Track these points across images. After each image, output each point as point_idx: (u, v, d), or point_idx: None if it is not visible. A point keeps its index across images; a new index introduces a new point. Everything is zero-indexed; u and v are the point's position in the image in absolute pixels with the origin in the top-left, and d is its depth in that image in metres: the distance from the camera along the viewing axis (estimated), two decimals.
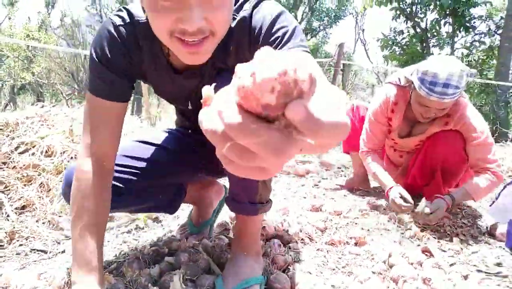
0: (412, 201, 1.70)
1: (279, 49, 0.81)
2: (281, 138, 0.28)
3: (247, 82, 0.28)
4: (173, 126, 1.38)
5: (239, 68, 0.30)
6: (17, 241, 1.36)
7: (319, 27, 20.76)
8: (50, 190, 1.67)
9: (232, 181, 1.04)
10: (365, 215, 1.84)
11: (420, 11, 10.39)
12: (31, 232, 1.41)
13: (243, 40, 0.88)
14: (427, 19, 10.51)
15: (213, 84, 0.32)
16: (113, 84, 0.93)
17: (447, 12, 9.45)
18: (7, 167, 1.74)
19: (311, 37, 20.23)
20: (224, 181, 1.68)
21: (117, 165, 1.06)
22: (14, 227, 1.43)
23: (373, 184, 2.51)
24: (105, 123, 0.95)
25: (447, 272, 1.23)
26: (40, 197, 1.63)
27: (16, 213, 1.56)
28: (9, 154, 1.79)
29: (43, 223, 1.50)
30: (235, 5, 0.86)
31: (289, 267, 1.20)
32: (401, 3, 10.03)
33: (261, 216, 1.09)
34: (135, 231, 1.52)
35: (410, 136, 2.01)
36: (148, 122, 3.79)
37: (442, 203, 1.69)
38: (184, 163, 1.23)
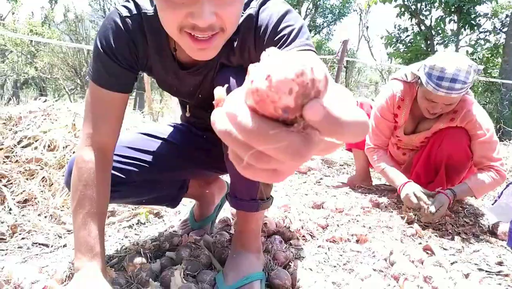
0: (427, 200, 1.69)
1: (284, 47, 0.81)
2: (302, 142, 0.27)
3: (262, 85, 0.27)
4: (178, 121, 1.38)
5: (252, 70, 0.28)
6: (19, 234, 1.37)
7: (323, 24, 20.69)
8: (52, 184, 1.68)
9: (233, 177, 1.04)
10: (367, 212, 1.84)
11: (424, 9, 10.34)
12: (33, 225, 1.41)
13: (248, 38, 0.88)
14: (431, 16, 10.46)
15: (226, 86, 0.31)
16: (117, 75, 0.93)
17: (452, 10, 9.40)
18: (10, 161, 1.75)
19: (315, 34, 20.17)
20: (227, 177, 1.68)
21: (120, 156, 1.07)
22: (16, 221, 1.43)
23: (375, 181, 2.51)
24: (107, 113, 0.95)
25: (448, 271, 1.23)
26: (42, 191, 1.63)
27: (18, 206, 1.56)
28: (12, 148, 1.80)
29: (45, 217, 1.51)
30: None
31: (290, 263, 1.20)
32: (405, 0, 9.97)
33: (262, 212, 1.09)
34: (137, 226, 1.52)
35: (415, 133, 2.01)
36: (151, 118, 3.79)
37: (445, 199, 1.70)
38: (187, 158, 1.23)
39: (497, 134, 1.92)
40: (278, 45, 0.81)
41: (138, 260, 1.11)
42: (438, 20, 10.13)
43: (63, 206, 1.59)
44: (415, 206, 1.71)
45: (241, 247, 1.06)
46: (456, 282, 1.13)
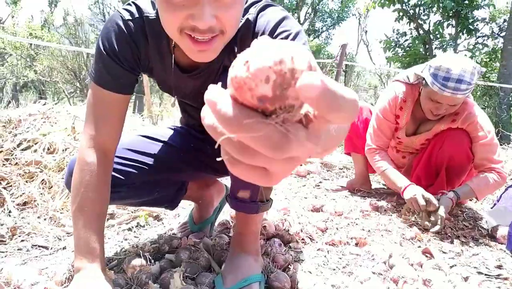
0: (436, 202, 1.69)
1: None
2: (280, 135, 0.26)
3: (240, 72, 0.26)
4: (178, 124, 1.39)
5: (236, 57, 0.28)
6: (19, 236, 1.37)
7: (322, 28, 20.77)
8: (51, 186, 1.68)
9: (234, 178, 1.04)
10: (366, 216, 1.84)
11: (423, 13, 10.40)
12: (32, 228, 1.41)
13: (246, 42, 0.89)
14: (430, 21, 10.52)
15: (219, 83, 0.30)
16: (118, 77, 0.93)
17: (450, 14, 9.45)
18: (10, 163, 1.75)
19: (314, 38, 20.24)
20: (226, 180, 1.68)
21: (120, 157, 1.07)
22: (15, 223, 1.43)
23: (374, 185, 2.51)
24: (108, 115, 0.96)
25: (447, 274, 1.23)
26: (41, 194, 1.63)
27: (18, 209, 1.56)
28: (12, 151, 1.80)
29: (45, 219, 1.51)
30: None
31: (289, 266, 1.20)
32: (404, 4, 10.02)
33: (262, 214, 1.09)
34: (136, 229, 1.52)
35: (416, 134, 2.01)
36: (150, 121, 3.79)
37: (448, 202, 1.71)
38: (186, 160, 1.23)
39: None
40: None
41: (138, 262, 1.11)
42: (436, 25, 10.18)
43: (62, 209, 1.59)
44: (421, 208, 1.70)
45: (240, 249, 1.06)
46: (455, 285, 1.14)
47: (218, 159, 0.31)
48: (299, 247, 1.38)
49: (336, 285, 1.10)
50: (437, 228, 1.65)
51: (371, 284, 1.11)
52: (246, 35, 0.88)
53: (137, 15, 0.92)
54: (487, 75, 9.82)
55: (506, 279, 1.26)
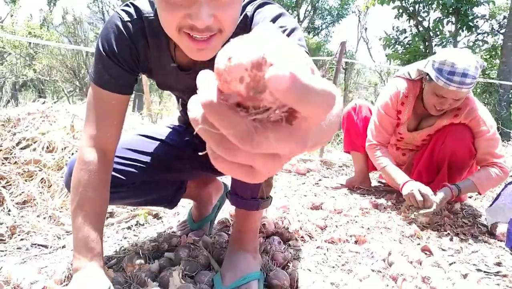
0: (432, 198, 1.70)
1: None
2: (251, 130, 0.26)
3: (221, 65, 0.27)
4: (176, 123, 1.39)
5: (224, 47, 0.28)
6: (18, 235, 1.37)
7: (321, 25, 20.74)
8: (51, 185, 1.68)
9: None
10: (365, 213, 1.84)
11: (422, 10, 10.37)
12: (32, 226, 1.41)
13: None
14: (430, 18, 10.49)
15: (209, 71, 0.30)
16: (118, 77, 0.94)
17: (450, 11, 9.43)
18: (9, 162, 1.75)
19: (314, 35, 20.21)
20: (224, 179, 1.68)
21: (120, 157, 1.08)
22: (15, 222, 1.43)
23: (374, 183, 2.52)
24: (108, 115, 0.96)
25: (446, 271, 1.23)
26: (41, 192, 1.63)
27: (17, 208, 1.56)
28: (11, 149, 1.80)
29: (44, 218, 1.51)
30: None
31: (288, 264, 1.20)
32: (403, 1, 10.01)
33: (261, 212, 1.10)
34: (135, 227, 1.52)
35: (418, 130, 2.02)
36: (149, 120, 3.79)
37: (448, 192, 1.73)
38: (185, 159, 1.23)
39: None
40: None
41: (137, 260, 1.12)
42: (436, 22, 10.16)
43: (62, 207, 1.59)
44: (419, 203, 1.71)
45: (238, 247, 1.06)
46: (455, 282, 1.14)
47: (201, 153, 0.31)
48: (299, 245, 1.38)
49: (336, 282, 1.10)
50: (428, 210, 1.67)
51: (370, 281, 1.11)
52: (243, 32, 0.88)
53: (135, 16, 0.93)
54: (487, 72, 9.81)
55: (505, 276, 1.27)
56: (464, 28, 9.79)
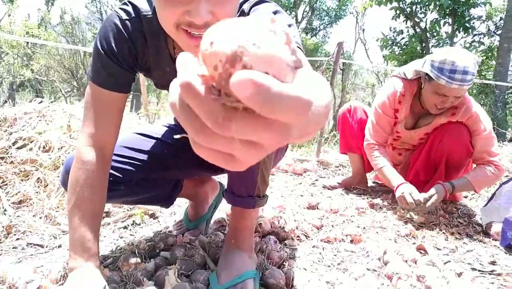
0: (422, 200, 1.72)
1: None
2: (221, 113, 0.27)
3: (203, 47, 0.27)
4: (172, 122, 1.39)
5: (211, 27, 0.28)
6: (14, 235, 1.36)
7: (319, 26, 20.76)
8: (47, 185, 1.68)
9: (231, 174, 1.05)
10: (362, 213, 1.85)
11: (420, 11, 10.40)
12: (28, 226, 1.41)
13: None
14: (426, 19, 10.52)
15: (188, 53, 0.31)
16: (116, 76, 0.95)
17: (447, 12, 9.46)
18: (5, 162, 1.75)
19: (312, 36, 20.22)
20: (221, 178, 1.68)
21: (116, 155, 1.08)
22: (11, 221, 1.43)
23: (370, 183, 2.52)
24: (106, 113, 0.97)
25: (441, 270, 1.23)
26: (37, 192, 1.63)
27: (13, 207, 1.56)
28: (7, 149, 1.80)
29: (40, 217, 1.51)
30: None
31: (284, 263, 1.21)
32: (401, 2, 10.03)
33: (257, 210, 1.10)
34: (132, 227, 1.52)
35: (415, 129, 2.03)
36: (147, 120, 3.79)
37: (441, 189, 1.75)
38: (182, 158, 1.23)
39: None
40: None
41: (133, 260, 1.12)
42: (433, 23, 10.19)
43: (58, 207, 1.59)
44: (410, 206, 1.73)
45: (234, 246, 1.06)
46: (449, 281, 1.14)
47: (177, 136, 0.32)
48: (294, 244, 1.39)
49: (331, 281, 1.11)
50: (421, 208, 1.70)
51: (365, 280, 1.12)
52: None
53: (133, 15, 0.94)
54: (483, 73, 9.85)
55: (499, 275, 1.27)
56: (460, 30, 9.82)
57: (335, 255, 1.34)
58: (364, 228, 1.65)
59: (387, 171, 1.95)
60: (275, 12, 0.87)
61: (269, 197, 1.13)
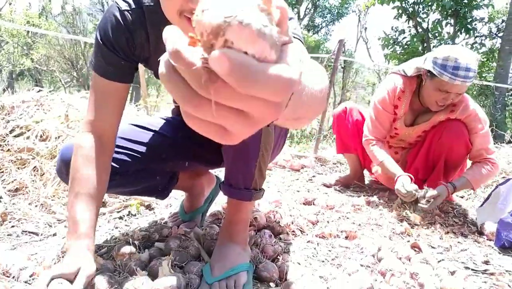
0: (415, 189, 1.76)
1: None
2: (203, 78, 0.27)
3: (196, 13, 0.28)
4: (170, 115, 1.39)
5: None
6: (9, 222, 1.36)
7: (321, 23, 20.71)
8: (43, 174, 1.67)
9: (229, 166, 1.06)
10: (357, 210, 1.85)
11: (422, 11, 10.38)
12: (23, 214, 1.41)
13: None
14: (429, 19, 10.50)
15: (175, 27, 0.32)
16: (115, 66, 0.97)
17: (449, 13, 9.44)
18: (2, 150, 1.74)
19: (313, 33, 20.17)
20: (217, 172, 1.68)
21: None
22: (6, 209, 1.43)
23: (367, 180, 2.53)
24: (106, 102, 0.99)
25: (434, 268, 1.24)
26: (33, 181, 1.63)
27: (9, 195, 1.56)
28: (4, 137, 1.79)
29: (36, 206, 1.51)
30: None
31: (278, 257, 1.21)
32: (403, 2, 10.00)
33: (253, 204, 1.10)
34: (127, 217, 1.52)
35: (414, 125, 2.04)
36: (145, 112, 3.78)
37: (444, 190, 1.78)
38: (179, 150, 1.23)
39: None
40: None
41: (127, 249, 1.12)
42: (435, 23, 10.17)
43: (54, 196, 1.59)
44: (407, 195, 1.76)
45: (228, 238, 1.06)
46: (442, 279, 1.15)
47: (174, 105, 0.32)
48: (289, 239, 1.39)
49: (324, 276, 1.11)
50: (424, 206, 1.75)
51: (359, 276, 1.12)
52: None
53: (134, 6, 0.95)
54: (483, 75, 9.85)
55: (492, 274, 1.28)
56: (462, 31, 9.81)
57: (330, 251, 1.35)
58: (360, 224, 1.65)
59: (388, 163, 1.95)
60: None
61: (265, 191, 1.13)
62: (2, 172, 1.66)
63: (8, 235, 1.28)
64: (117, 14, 0.94)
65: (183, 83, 0.29)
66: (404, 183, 1.78)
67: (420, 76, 1.90)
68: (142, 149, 1.16)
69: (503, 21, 10.36)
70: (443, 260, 1.34)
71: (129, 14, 0.95)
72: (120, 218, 1.51)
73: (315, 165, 2.97)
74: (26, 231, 1.32)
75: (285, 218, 1.54)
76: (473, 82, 1.71)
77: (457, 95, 1.77)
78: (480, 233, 1.69)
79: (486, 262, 1.37)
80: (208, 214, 1.54)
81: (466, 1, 9.21)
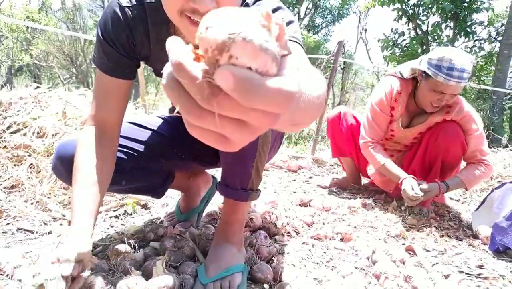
0: (421, 193, 1.75)
1: None
2: (205, 92, 0.29)
3: (199, 30, 0.29)
4: (167, 114, 1.39)
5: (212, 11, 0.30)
6: (5, 220, 1.36)
7: (321, 24, 20.71)
8: (40, 171, 1.67)
9: (225, 166, 1.06)
10: (353, 212, 1.86)
11: (422, 14, 10.38)
12: (19, 211, 1.41)
13: None
14: (428, 22, 10.50)
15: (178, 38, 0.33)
16: (115, 62, 0.98)
17: (449, 16, 9.45)
18: None
19: (313, 34, 20.16)
20: (214, 172, 1.69)
21: None
22: (2, 206, 1.43)
23: (363, 182, 2.53)
24: (107, 97, 1.01)
25: (428, 271, 1.24)
26: (29, 178, 1.62)
27: (5, 192, 1.55)
28: (1, 133, 1.78)
29: (32, 203, 1.50)
30: None
31: (273, 258, 1.21)
32: (404, 4, 10.00)
33: (249, 204, 1.11)
34: (123, 216, 1.52)
35: (410, 127, 2.04)
36: (143, 110, 3.78)
37: (435, 187, 1.79)
38: (176, 149, 1.24)
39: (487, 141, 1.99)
40: None
41: (122, 248, 1.12)
42: (435, 26, 10.17)
43: (50, 193, 1.58)
44: (413, 197, 1.76)
45: (224, 239, 1.07)
46: (436, 282, 1.15)
47: (174, 113, 0.34)
48: (284, 240, 1.39)
49: (319, 278, 1.11)
50: (416, 196, 1.75)
51: (353, 278, 1.12)
52: None
53: (135, 2, 0.95)
54: (482, 79, 9.87)
55: (486, 278, 1.28)
56: (462, 34, 9.81)
57: (324, 253, 1.35)
58: (355, 227, 1.65)
59: (390, 166, 1.96)
60: (277, 9, 0.87)
61: (262, 192, 1.13)
62: None
63: (3, 232, 1.28)
64: (118, 10, 0.94)
65: (186, 94, 0.30)
66: (413, 185, 1.78)
67: (416, 78, 1.91)
68: (139, 147, 1.16)
69: (502, 25, 10.38)
70: (437, 263, 1.35)
71: (129, 11, 0.95)
72: (116, 217, 1.51)
73: (312, 166, 2.97)
74: (21, 229, 1.32)
75: (280, 219, 1.54)
76: (471, 86, 1.72)
77: (452, 96, 1.79)
78: (475, 237, 1.70)
79: (480, 266, 1.37)
80: (204, 214, 1.54)
81: (466, 4, 9.22)
